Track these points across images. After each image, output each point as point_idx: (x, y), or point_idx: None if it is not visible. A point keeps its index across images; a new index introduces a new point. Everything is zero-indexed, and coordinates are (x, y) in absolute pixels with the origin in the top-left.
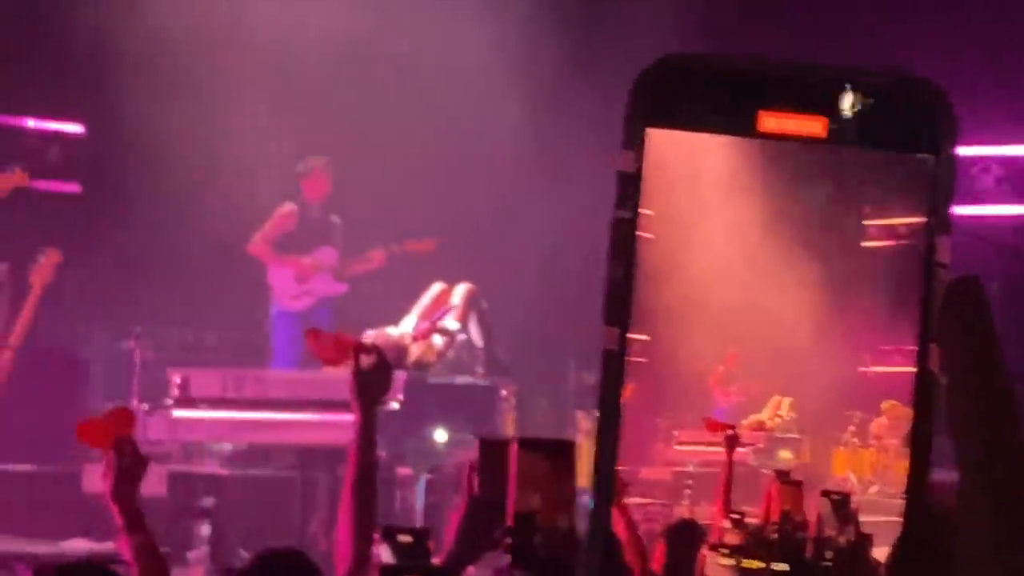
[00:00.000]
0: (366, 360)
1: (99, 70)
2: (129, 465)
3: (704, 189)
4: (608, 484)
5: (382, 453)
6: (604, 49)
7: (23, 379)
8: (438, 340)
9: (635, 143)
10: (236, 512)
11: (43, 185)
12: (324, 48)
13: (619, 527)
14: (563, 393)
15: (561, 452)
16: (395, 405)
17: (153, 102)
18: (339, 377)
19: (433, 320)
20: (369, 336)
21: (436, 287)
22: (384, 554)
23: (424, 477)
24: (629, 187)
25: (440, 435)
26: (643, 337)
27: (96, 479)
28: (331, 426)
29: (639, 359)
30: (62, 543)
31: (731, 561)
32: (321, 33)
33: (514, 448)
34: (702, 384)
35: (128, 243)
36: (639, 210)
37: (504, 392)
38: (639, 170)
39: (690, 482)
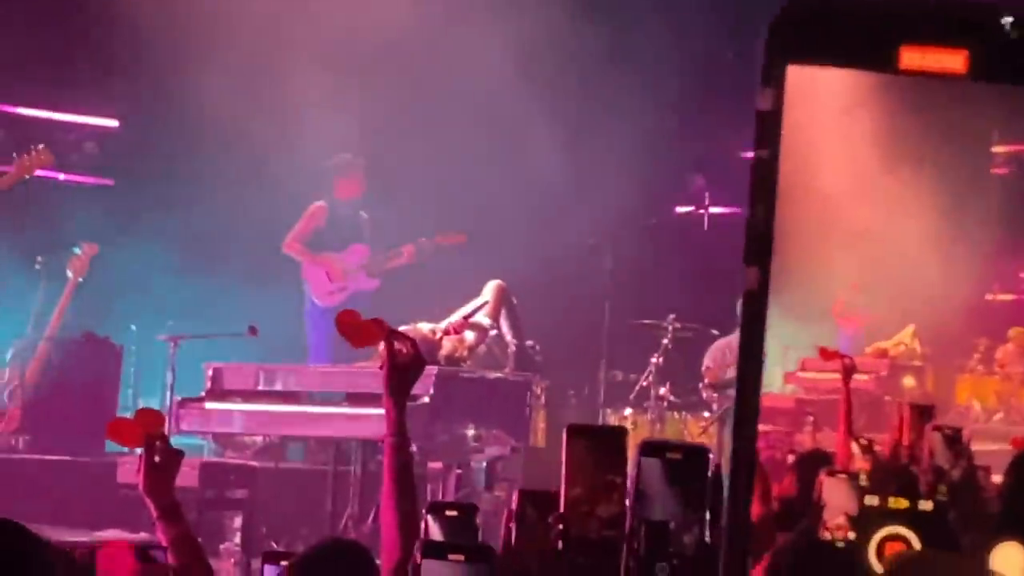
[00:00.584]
0: (399, 348)
1: (135, 65)
2: (161, 461)
3: (830, 117)
4: (751, 414)
5: (413, 447)
6: (637, 40)
7: (58, 369)
8: (469, 335)
9: (774, 81)
10: (267, 505)
11: (78, 179)
12: (360, 44)
13: None
14: (593, 391)
15: (612, 439)
16: (426, 399)
17: (187, 96)
18: (371, 372)
19: (465, 316)
20: (405, 329)
21: (492, 284)
22: (432, 529)
23: (455, 471)
24: (769, 126)
25: (468, 431)
26: None
27: (130, 470)
28: (363, 420)
29: None
30: (96, 533)
31: (856, 485)
32: (355, 29)
33: (565, 436)
34: (825, 312)
35: (163, 236)
36: (779, 148)
37: (535, 388)
38: (779, 108)
39: (811, 409)
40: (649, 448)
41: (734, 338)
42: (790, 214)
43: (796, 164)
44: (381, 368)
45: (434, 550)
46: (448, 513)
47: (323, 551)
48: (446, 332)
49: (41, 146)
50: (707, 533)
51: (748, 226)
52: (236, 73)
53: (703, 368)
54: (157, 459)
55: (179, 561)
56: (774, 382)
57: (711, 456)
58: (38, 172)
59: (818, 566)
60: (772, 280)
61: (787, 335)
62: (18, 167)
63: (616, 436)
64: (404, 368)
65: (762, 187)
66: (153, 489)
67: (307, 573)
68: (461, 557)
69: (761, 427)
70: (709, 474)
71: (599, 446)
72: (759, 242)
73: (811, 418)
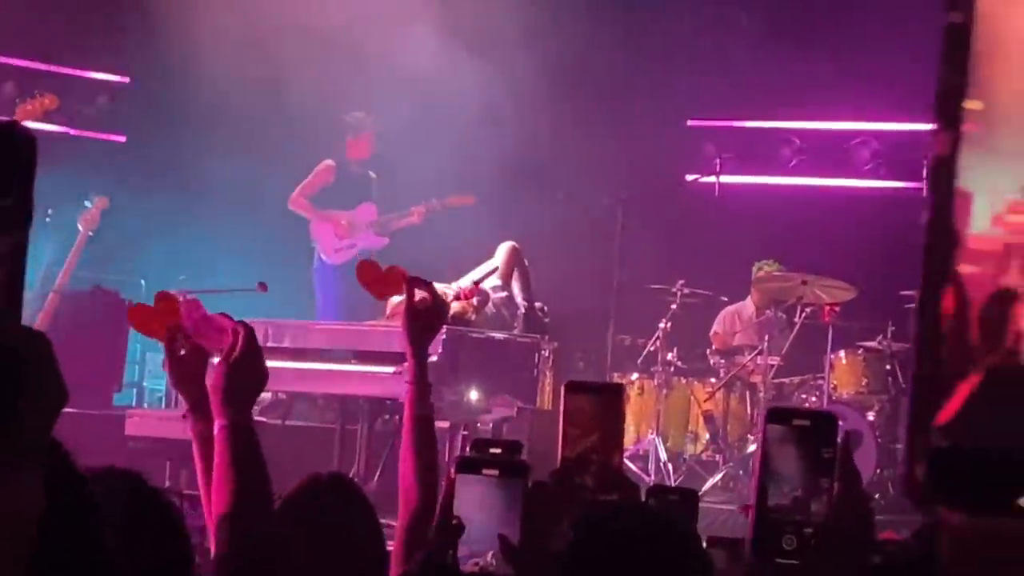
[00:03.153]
0: (420, 295)
1: (146, 19)
2: (187, 354)
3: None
4: (941, 274)
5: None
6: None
7: (67, 322)
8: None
9: None
10: (274, 460)
11: (89, 134)
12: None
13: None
14: (600, 354)
15: (609, 394)
16: (434, 359)
17: (199, 54)
18: (380, 330)
19: (475, 281)
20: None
21: (505, 245)
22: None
23: (461, 432)
24: (958, 42)
25: (475, 392)
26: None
27: (138, 423)
28: (371, 378)
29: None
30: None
31: None
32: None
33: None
34: None
35: (173, 191)
36: (973, 12)
37: (543, 350)
38: (969, 23)
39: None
40: (776, 414)
41: (742, 305)
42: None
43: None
44: (396, 315)
45: (468, 465)
46: (492, 451)
47: (307, 488)
48: (456, 297)
49: (46, 93)
50: (835, 501)
51: (939, 92)
52: (249, 27)
53: (711, 334)
54: (182, 352)
55: (201, 457)
56: (983, 224)
57: (840, 423)
58: (49, 126)
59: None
60: (983, 119)
61: (996, 177)
62: (21, 112)
63: (614, 392)
64: (424, 315)
65: (954, 52)
66: (180, 382)
67: (296, 511)
68: (495, 472)
69: (966, 269)
70: (838, 440)
71: (597, 402)
72: (951, 108)
73: (1018, 262)
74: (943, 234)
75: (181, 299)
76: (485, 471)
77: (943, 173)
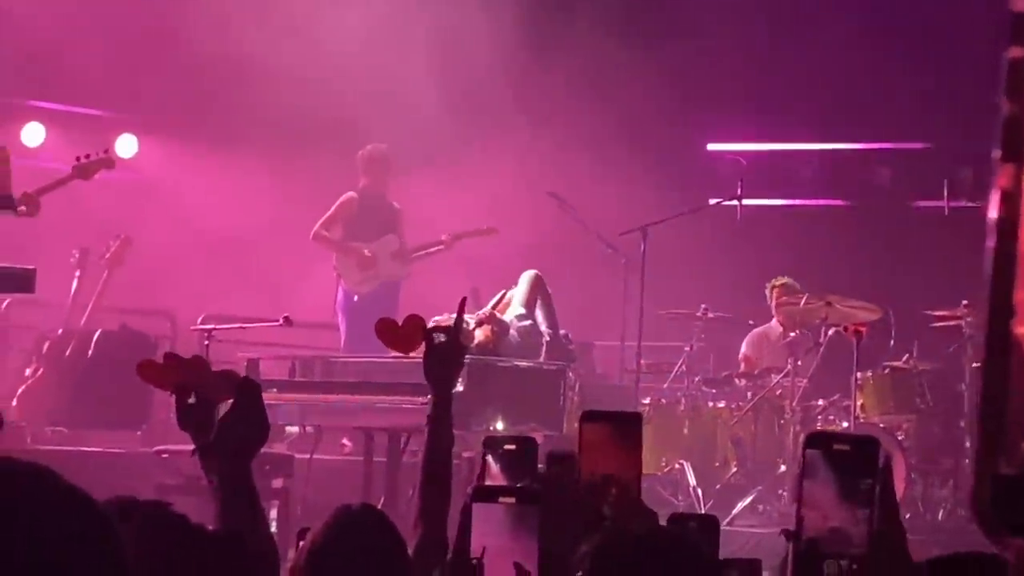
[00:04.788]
0: (438, 339)
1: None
2: (195, 403)
3: None
4: (1006, 303)
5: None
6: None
7: (94, 362)
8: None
9: None
10: (302, 494)
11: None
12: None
13: None
14: (626, 380)
15: (627, 423)
16: (459, 388)
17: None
18: (406, 362)
19: (494, 306)
20: (439, 320)
21: (527, 273)
22: (490, 465)
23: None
24: (1021, 76)
25: (501, 421)
26: None
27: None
28: (397, 410)
29: None
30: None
31: None
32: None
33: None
34: None
35: (198, 227)
36: None
37: (569, 377)
38: None
39: None
40: (815, 439)
41: (769, 327)
42: None
43: None
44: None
45: (484, 494)
46: (507, 447)
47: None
48: (478, 323)
49: (108, 150)
50: (875, 527)
51: (1003, 123)
52: (267, 69)
53: (740, 357)
54: (191, 400)
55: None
56: None
57: (881, 447)
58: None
59: None
60: None
61: None
62: (77, 170)
63: (631, 421)
64: (441, 354)
65: (1018, 85)
66: (188, 427)
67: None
68: (511, 499)
69: None
70: (879, 465)
71: (615, 431)
72: (1014, 140)
73: None
74: (1008, 265)
75: (189, 358)
76: (501, 499)
77: (1007, 205)
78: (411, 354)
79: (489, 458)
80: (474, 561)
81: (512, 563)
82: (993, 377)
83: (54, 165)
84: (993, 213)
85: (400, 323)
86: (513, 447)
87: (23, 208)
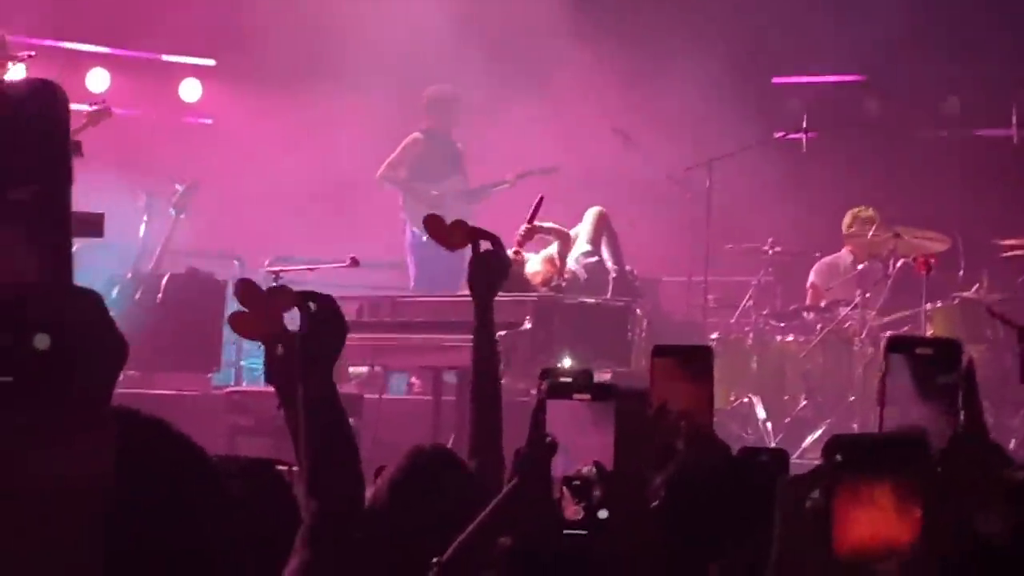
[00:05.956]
0: (484, 246)
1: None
2: (284, 354)
3: None
4: None
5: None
6: None
7: (163, 306)
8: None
9: None
10: (372, 434)
11: (178, 117)
12: None
13: None
14: (693, 314)
15: (698, 357)
16: (527, 326)
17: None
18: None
19: (529, 221)
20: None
21: (592, 210)
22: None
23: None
24: None
25: (570, 358)
26: None
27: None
28: (465, 349)
29: None
30: None
31: None
32: None
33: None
34: None
35: (264, 170)
36: None
37: (636, 312)
38: None
39: None
40: (897, 343)
41: (838, 256)
42: None
43: None
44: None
45: (559, 390)
46: (562, 379)
47: (411, 461)
48: (518, 245)
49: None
50: (960, 429)
51: None
52: (331, 11)
53: (808, 285)
54: (279, 350)
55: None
56: None
57: (964, 349)
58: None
59: None
60: None
61: None
62: (91, 117)
63: (702, 355)
64: (485, 263)
65: None
66: (276, 379)
67: (405, 484)
68: (587, 396)
69: None
70: (962, 368)
71: (686, 364)
72: None
73: None
74: None
75: (271, 289)
76: (576, 395)
77: None
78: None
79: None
80: (548, 440)
81: (592, 461)
82: None
83: (119, 111)
84: None
85: (449, 223)
86: (570, 379)
87: None
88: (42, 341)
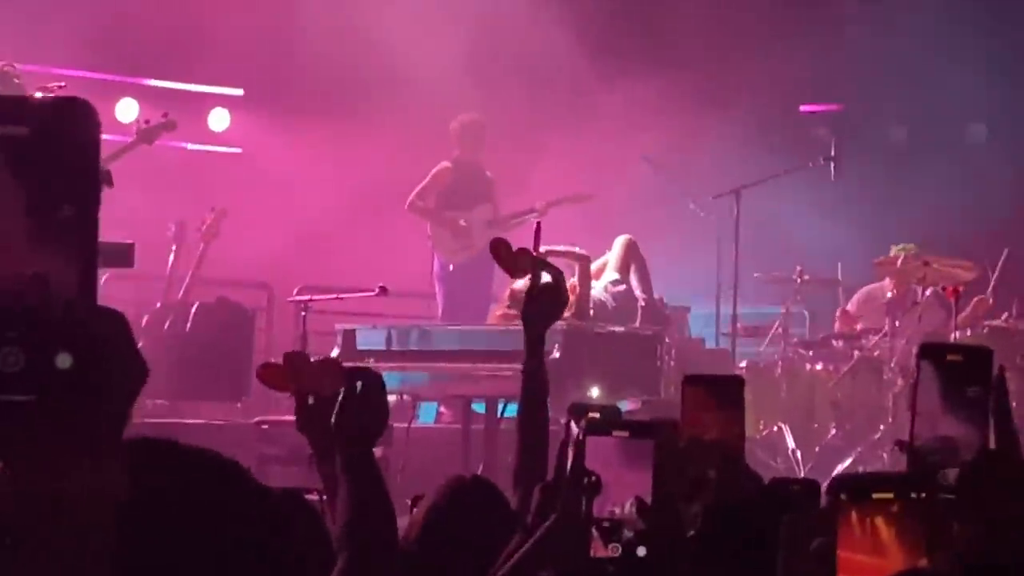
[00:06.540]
0: (545, 278)
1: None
2: (315, 403)
3: None
4: None
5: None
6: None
7: (192, 335)
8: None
9: None
10: (401, 463)
11: (206, 147)
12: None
13: None
14: (723, 342)
15: (729, 387)
16: (556, 355)
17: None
18: (503, 329)
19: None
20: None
21: (621, 238)
22: (573, 431)
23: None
24: None
25: (598, 388)
26: None
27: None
28: (494, 378)
29: None
30: None
31: None
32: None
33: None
34: None
35: (292, 198)
36: None
37: (665, 340)
38: None
39: None
40: (928, 351)
41: (880, 286)
42: None
43: None
44: (516, 300)
45: (598, 427)
46: (591, 416)
47: (454, 491)
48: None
49: (167, 116)
50: (989, 440)
51: None
52: (360, 38)
53: (838, 311)
54: (311, 400)
55: (330, 497)
56: None
57: (994, 358)
58: (166, 141)
59: None
60: None
61: None
62: (142, 134)
63: (734, 385)
64: (543, 296)
65: None
66: (307, 428)
67: (444, 516)
68: (626, 433)
69: None
70: (993, 377)
71: (717, 394)
72: None
73: None
74: None
75: (307, 358)
76: (615, 432)
77: None
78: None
79: (573, 425)
80: (592, 479)
81: (634, 497)
82: None
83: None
84: None
85: (515, 250)
86: (597, 415)
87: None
88: (64, 361)
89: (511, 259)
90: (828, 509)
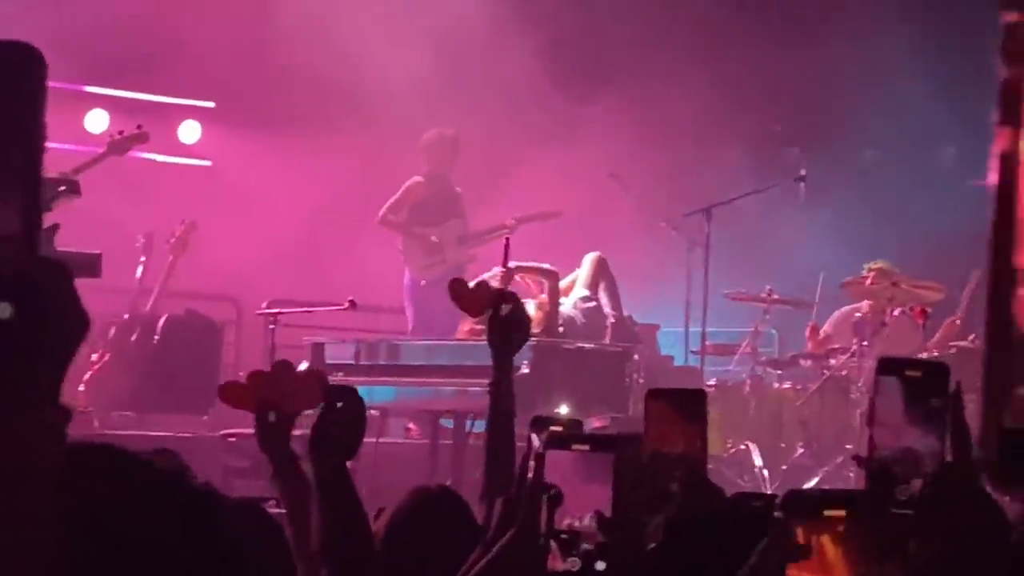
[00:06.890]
0: (505, 308)
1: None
2: (276, 421)
3: None
4: (1007, 262)
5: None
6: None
7: (162, 347)
8: (566, 304)
9: None
10: (367, 477)
11: (176, 159)
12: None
13: None
14: (691, 361)
15: (691, 400)
16: (525, 371)
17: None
18: (471, 344)
19: (502, 270)
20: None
21: (590, 256)
22: (535, 446)
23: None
24: (1015, 40)
25: (567, 404)
26: None
27: (234, 444)
28: (462, 393)
29: None
30: None
31: None
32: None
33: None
34: None
35: (263, 212)
36: None
37: (634, 358)
38: None
39: None
40: (887, 365)
41: (854, 307)
42: None
43: None
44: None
45: (559, 440)
46: (553, 429)
47: (416, 501)
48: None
49: (139, 127)
50: (948, 453)
51: (1000, 89)
52: (331, 52)
53: (807, 331)
54: (271, 418)
55: (289, 513)
56: None
57: (951, 374)
58: (136, 153)
59: None
60: None
61: None
62: (112, 146)
63: (695, 398)
64: (505, 324)
65: (1012, 49)
66: (267, 446)
67: (408, 523)
68: (587, 447)
69: None
70: (950, 392)
71: (679, 407)
72: (1011, 104)
73: None
74: (1007, 226)
75: (272, 368)
76: (575, 446)
77: (1005, 168)
78: (472, 326)
79: (534, 437)
80: (552, 492)
81: (582, 510)
82: (997, 337)
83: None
84: (993, 178)
85: (472, 286)
86: (560, 429)
87: (62, 188)
88: (4, 310)
89: (471, 297)
90: (779, 526)
